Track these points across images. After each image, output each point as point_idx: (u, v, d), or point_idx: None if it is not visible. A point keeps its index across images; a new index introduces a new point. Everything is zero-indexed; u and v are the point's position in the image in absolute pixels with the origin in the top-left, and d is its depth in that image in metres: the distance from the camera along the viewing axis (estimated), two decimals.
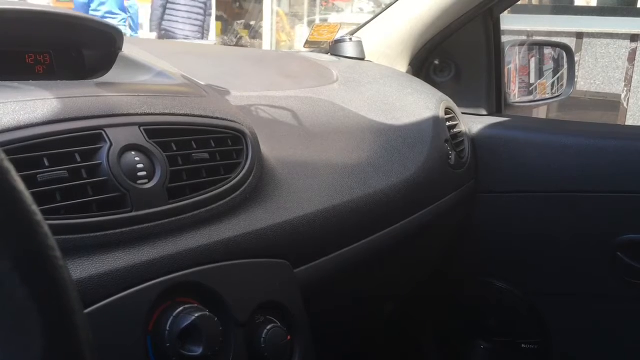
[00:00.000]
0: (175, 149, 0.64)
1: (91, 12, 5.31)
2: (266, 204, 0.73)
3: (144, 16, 8.87)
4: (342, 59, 1.32)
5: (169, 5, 5.40)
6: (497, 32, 1.38)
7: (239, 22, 8.36)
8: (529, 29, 4.26)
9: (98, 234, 0.55)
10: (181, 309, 0.58)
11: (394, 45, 1.36)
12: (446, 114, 1.19)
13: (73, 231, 0.54)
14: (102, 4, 5.52)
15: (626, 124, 4.09)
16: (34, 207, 0.29)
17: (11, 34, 0.67)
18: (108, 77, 0.75)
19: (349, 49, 1.35)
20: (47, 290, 0.28)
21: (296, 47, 7.54)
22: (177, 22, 5.41)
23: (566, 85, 1.57)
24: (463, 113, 1.32)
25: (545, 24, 4.53)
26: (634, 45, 4.27)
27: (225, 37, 7.83)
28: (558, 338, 1.31)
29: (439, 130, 1.12)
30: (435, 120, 1.13)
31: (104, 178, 0.57)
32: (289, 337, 0.69)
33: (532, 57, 1.59)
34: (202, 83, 0.82)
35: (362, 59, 1.35)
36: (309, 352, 0.72)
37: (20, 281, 0.27)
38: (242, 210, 0.69)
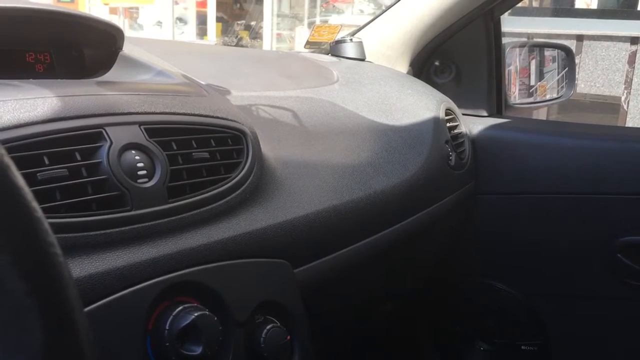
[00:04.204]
0: (175, 148, 0.64)
1: None
2: (266, 203, 0.73)
3: (145, 16, 8.88)
4: (342, 59, 1.32)
5: None
6: (497, 33, 1.38)
7: (239, 22, 8.37)
8: (529, 31, 4.26)
9: (98, 232, 0.55)
10: (180, 308, 0.58)
11: (394, 46, 1.36)
12: (446, 114, 1.19)
13: (72, 230, 0.54)
14: None
15: (626, 126, 4.09)
16: (34, 204, 0.28)
17: (12, 33, 0.67)
18: (108, 76, 0.75)
19: (349, 49, 1.35)
20: (47, 286, 0.28)
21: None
22: None
23: (566, 87, 1.57)
24: (463, 114, 1.32)
25: (545, 26, 4.53)
26: (634, 47, 4.28)
27: (226, 38, 7.84)
28: (558, 340, 1.31)
29: (439, 131, 1.12)
30: (436, 121, 1.13)
31: (104, 177, 0.57)
32: (288, 337, 0.69)
33: (532, 58, 1.59)
34: (203, 82, 0.82)
35: (363, 60, 1.35)
36: (308, 352, 0.72)
37: (20, 277, 0.27)
38: (242, 210, 0.69)
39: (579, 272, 1.27)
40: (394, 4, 1.36)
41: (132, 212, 0.58)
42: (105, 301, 0.54)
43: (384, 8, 1.43)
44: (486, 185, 1.29)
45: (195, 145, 0.67)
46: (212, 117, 0.71)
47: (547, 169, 1.24)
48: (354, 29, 1.46)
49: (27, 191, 0.28)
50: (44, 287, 0.28)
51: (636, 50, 4.26)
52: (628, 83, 4.29)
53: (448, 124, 1.18)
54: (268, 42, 7.59)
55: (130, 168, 0.59)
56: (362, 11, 7.77)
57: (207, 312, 0.59)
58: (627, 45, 4.30)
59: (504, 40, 1.42)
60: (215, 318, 0.60)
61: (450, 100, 1.28)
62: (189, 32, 8.63)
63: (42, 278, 0.28)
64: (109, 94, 0.64)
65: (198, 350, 0.57)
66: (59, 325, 0.29)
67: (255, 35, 7.97)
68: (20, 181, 0.28)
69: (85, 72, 0.74)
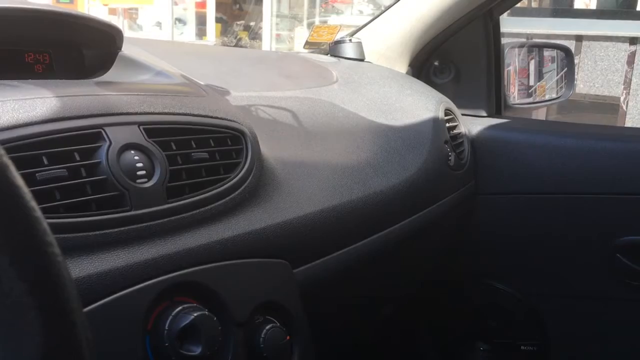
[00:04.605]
0: (174, 148, 0.64)
1: None
2: (265, 203, 0.73)
3: (144, 17, 8.88)
4: (341, 59, 1.32)
5: None
6: (496, 33, 1.39)
7: (238, 23, 8.38)
8: (528, 31, 4.26)
9: (97, 232, 0.55)
10: (180, 308, 0.58)
11: (393, 46, 1.36)
12: (446, 115, 1.19)
13: (72, 230, 0.54)
14: None
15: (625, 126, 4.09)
16: (33, 203, 0.28)
17: (11, 33, 0.67)
18: (107, 76, 0.75)
19: (348, 50, 1.35)
20: (46, 286, 0.28)
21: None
22: None
23: (565, 87, 1.57)
24: (463, 114, 1.32)
25: (544, 27, 4.53)
26: (632, 48, 4.28)
27: (225, 38, 7.85)
28: (557, 340, 1.31)
29: (438, 131, 1.12)
30: (435, 121, 1.13)
31: (103, 177, 0.57)
32: (288, 337, 0.69)
33: (531, 59, 1.59)
34: (202, 83, 0.82)
35: (362, 60, 1.35)
36: (308, 352, 0.72)
37: (18, 277, 0.27)
38: (241, 210, 0.69)
39: (578, 272, 1.27)
40: (393, 5, 1.36)
41: (132, 212, 0.58)
42: (104, 301, 0.54)
43: (383, 8, 1.43)
44: (486, 186, 1.29)
45: (194, 146, 0.67)
46: (211, 117, 0.71)
47: (547, 169, 1.25)
48: (353, 29, 1.46)
49: (25, 191, 0.28)
50: (43, 287, 0.28)
51: (635, 51, 4.26)
52: (627, 83, 4.29)
53: (447, 124, 1.18)
54: (267, 42, 7.59)
55: (130, 168, 0.59)
56: (361, 12, 7.78)
57: (207, 312, 0.59)
58: (626, 45, 4.30)
59: (503, 40, 1.42)
60: (215, 318, 0.60)
61: (450, 101, 1.28)
62: (188, 33, 8.63)
63: (41, 278, 0.28)
64: (108, 94, 0.64)
65: (197, 350, 0.57)
66: (57, 325, 0.29)
67: (255, 35, 7.97)
68: (19, 181, 0.28)
69: (85, 72, 0.74)
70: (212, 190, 0.66)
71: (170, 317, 0.57)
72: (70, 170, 0.55)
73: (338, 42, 1.37)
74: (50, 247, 0.29)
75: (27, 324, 0.28)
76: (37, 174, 0.53)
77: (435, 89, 1.31)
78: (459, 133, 1.22)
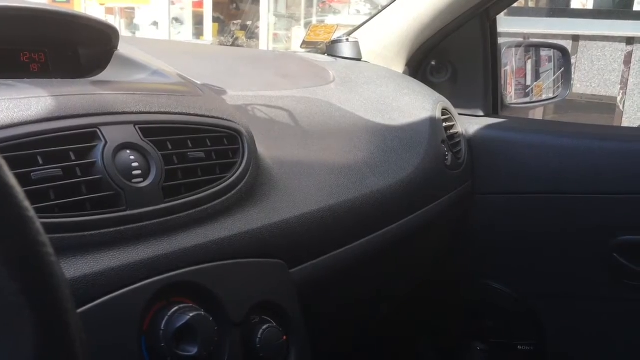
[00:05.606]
0: (170, 147, 0.64)
1: None
2: (262, 203, 0.73)
3: (141, 16, 8.87)
4: (338, 59, 1.32)
5: None
6: (493, 33, 1.39)
7: (235, 22, 8.37)
8: (525, 31, 4.26)
9: (92, 232, 0.55)
10: (176, 308, 0.58)
11: (390, 45, 1.36)
12: (443, 114, 1.19)
13: (67, 230, 0.53)
14: None
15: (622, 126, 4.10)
16: (26, 203, 0.28)
17: (6, 32, 0.66)
18: (104, 75, 0.75)
19: (345, 49, 1.35)
20: (39, 286, 0.28)
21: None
22: None
23: (562, 87, 1.57)
24: (460, 114, 1.32)
25: (541, 27, 4.54)
26: (629, 48, 4.28)
27: (222, 38, 7.85)
28: (554, 339, 1.31)
29: (435, 131, 1.12)
30: (432, 121, 1.13)
31: (98, 176, 0.57)
32: (284, 337, 0.68)
33: (528, 58, 1.59)
34: (198, 82, 0.82)
35: (359, 60, 1.35)
36: (304, 352, 0.72)
37: (11, 276, 0.27)
38: (237, 210, 0.69)
39: (575, 272, 1.27)
40: (390, 4, 1.36)
41: (127, 212, 0.58)
42: (100, 301, 0.53)
43: (380, 8, 1.43)
44: (483, 185, 1.29)
45: (190, 145, 0.66)
46: (208, 116, 0.70)
47: (544, 168, 1.25)
48: (350, 29, 1.46)
49: (18, 190, 0.28)
50: (35, 287, 0.28)
51: (632, 51, 4.27)
52: (624, 83, 4.30)
53: (444, 124, 1.18)
54: (264, 42, 7.59)
55: (125, 168, 0.59)
56: (358, 11, 7.78)
57: (203, 313, 0.59)
58: (623, 45, 4.31)
59: (500, 40, 1.42)
60: (211, 318, 0.59)
61: (447, 100, 1.28)
62: (185, 33, 8.63)
63: (34, 278, 0.28)
64: (104, 94, 0.64)
65: (193, 350, 0.57)
66: (51, 325, 0.28)
67: (252, 35, 7.97)
68: (12, 180, 0.28)
69: (80, 71, 0.74)
70: (208, 190, 0.66)
71: (166, 318, 0.57)
72: (66, 169, 0.55)
73: (335, 42, 1.37)
74: (44, 247, 0.29)
75: (21, 324, 0.27)
76: (32, 174, 0.53)
77: (432, 88, 1.31)
78: (456, 133, 1.22)
